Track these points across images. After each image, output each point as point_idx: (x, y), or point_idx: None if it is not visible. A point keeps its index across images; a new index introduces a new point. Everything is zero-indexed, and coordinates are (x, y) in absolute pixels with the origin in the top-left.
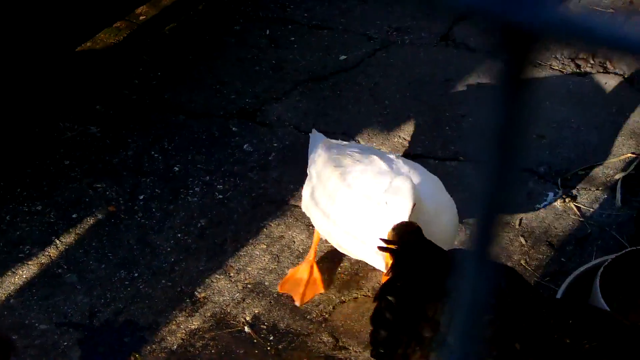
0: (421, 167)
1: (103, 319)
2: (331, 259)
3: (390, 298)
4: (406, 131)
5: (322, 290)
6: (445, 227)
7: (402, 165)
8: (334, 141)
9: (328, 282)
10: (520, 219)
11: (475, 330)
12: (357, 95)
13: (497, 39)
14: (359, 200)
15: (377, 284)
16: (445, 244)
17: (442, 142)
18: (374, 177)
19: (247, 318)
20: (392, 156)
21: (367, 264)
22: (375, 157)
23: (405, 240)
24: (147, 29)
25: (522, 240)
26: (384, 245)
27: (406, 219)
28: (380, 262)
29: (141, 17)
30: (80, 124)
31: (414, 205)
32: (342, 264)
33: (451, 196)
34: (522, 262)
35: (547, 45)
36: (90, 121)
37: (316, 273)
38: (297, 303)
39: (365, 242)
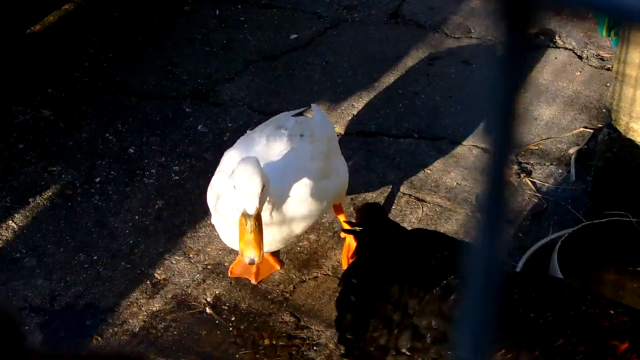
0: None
1: (64, 302)
2: None
3: (354, 280)
4: (359, 109)
5: (277, 267)
6: (301, 204)
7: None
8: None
9: (289, 262)
10: (477, 195)
11: (485, 330)
12: (309, 74)
13: (499, 6)
14: (221, 183)
15: (337, 263)
16: (306, 219)
17: (395, 120)
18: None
19: (208, 299)
20: (285, 129)
21: (327, 242)
22: (254, 136)
23: (369, 221)
24: (96, 11)
25: (479, 216)
26: (347, 228)
27: (255, 203)
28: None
29: None
30: (32, 107)
31: (263, 187)
32: (300, 243)
33: (405, 174)
34: None
35: (547, 11)
36: (42, 104)
37: (267, 254)
38: (253, 281)
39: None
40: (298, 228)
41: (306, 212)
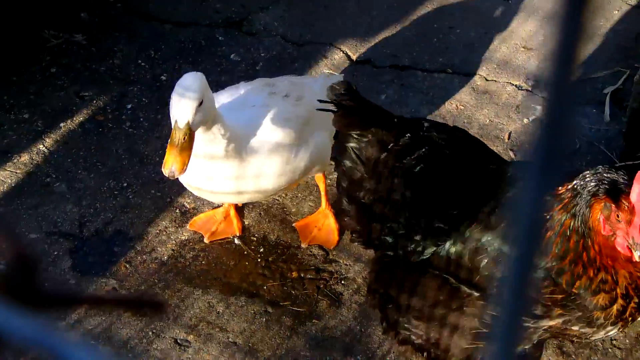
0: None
1: (93, 228)
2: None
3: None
4: (393, 43)
5: (236, 233)
6: (266, 159)
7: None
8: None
9: (317, 194)
10: (510, 133)
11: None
12: (344, 6)
13: None
14: None
15: None
16: (272, 177)
17: (429, 54)
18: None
19: (237, 230)
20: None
21: None
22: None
23: (344, 99)
24: None
25: (511, 154)
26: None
27: (187, 116)
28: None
29: None
30: (65, 31)
31: (201, 104)
32: (329, 175)
33: (438, 109)
34: None
35: None
36: (75, 29)
37: (232, 214)
38: (206, 239)
39: None
40: (266, 184)
41: (271, 169)
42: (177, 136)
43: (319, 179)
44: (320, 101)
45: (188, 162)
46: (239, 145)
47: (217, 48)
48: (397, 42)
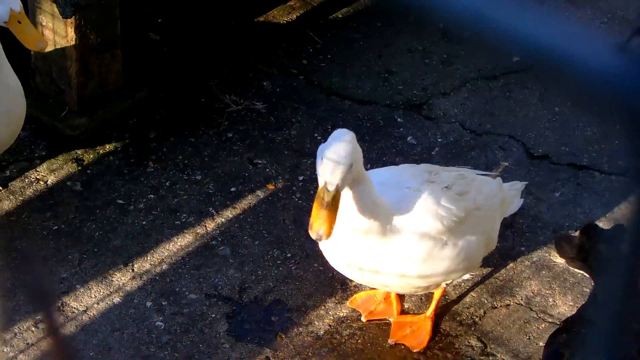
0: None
1: (252, 295)
2: (487, 262)
3: None
4: (573, 141)
5: (394, 315)
6: (414, 242)
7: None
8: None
9: (483, 286)
10: None
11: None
12: (527, 98)
13: None
14: None
15: (532, 293)
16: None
17: (609, 156)
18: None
19: (395, 312)
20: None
21: (523, 271)
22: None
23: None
24: (320, 11)
25: None
26: None
27: (338, 177)
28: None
29: None
30: (246, 98)
31: (351, 166)
32: (497, 268)
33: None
34: None
35: None
36: (256, 97)
37: (393, 296)
38: (363, 318)
39: None
40: (405, 268)
41: (413, 254)
42: (326, 198)
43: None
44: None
45: (334, 224)
46: (384, 220)
47: (395, 129)
48: (577, 141)
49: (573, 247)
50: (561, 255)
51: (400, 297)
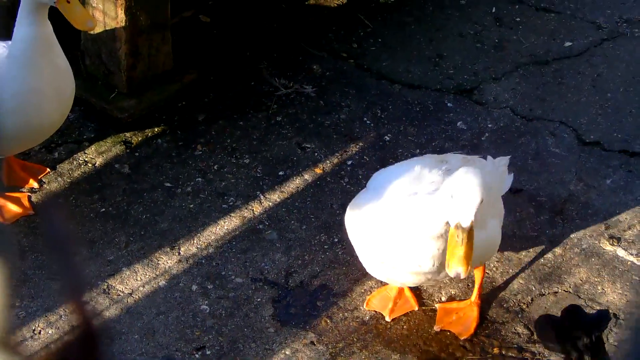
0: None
1: (298, 280)
2: (533, 248)
3: None
4: (626, 127)
5: (415, 307)
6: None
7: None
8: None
9: (531, 272)
10: None
11: None
12: (579, 84)
13: None
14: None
15: (580, 281)
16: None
17: None
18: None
19: (443, 298)
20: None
21: (572, 258)
22: (411, 162)
23: None
24: None
25: None
26: None
27: (472, 215)
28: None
29: None
30: (296, 82)
31: (481, 201)
32: (545, 255)
33: None
34: None
35: None
36: (306, 80)
37: (407, 292)
38: (387, 318)
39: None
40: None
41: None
42: (461, 236)
43: (479, 269)
44: None
45: (471, 257)
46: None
47: (445, 114)
48: (630, 127)
49: (553, 329)
50: (540, 338)
51: (413, 288)
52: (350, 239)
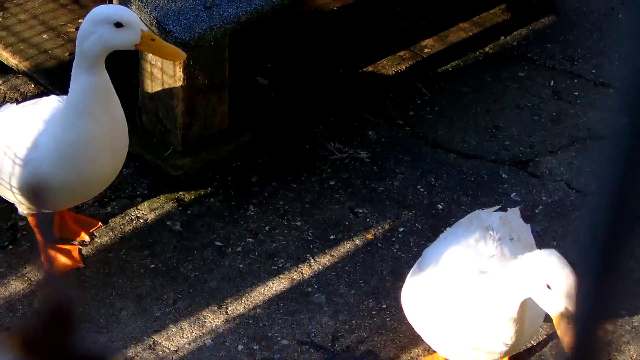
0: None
1: (345, 344)
2: None
3: None
4: None
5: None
6: None
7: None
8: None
9: None
10: None
11: None
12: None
13: None
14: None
15: (630, 359)
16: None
17: None
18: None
19: None
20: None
21: (623, 335)
22: (457, 233)
23: None
24: (430, 63)
25: None
26: None
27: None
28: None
29: (426, 50)
30: (350, 147)
31: None
32: None
33: None
34: None
35: None
36: (361, 146)
37: None
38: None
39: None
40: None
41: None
42: (563, 324)
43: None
44: None
45: None
46: None
47: (499, 185)
48: None
49: None
50: None
51: None
52: (411, 320)
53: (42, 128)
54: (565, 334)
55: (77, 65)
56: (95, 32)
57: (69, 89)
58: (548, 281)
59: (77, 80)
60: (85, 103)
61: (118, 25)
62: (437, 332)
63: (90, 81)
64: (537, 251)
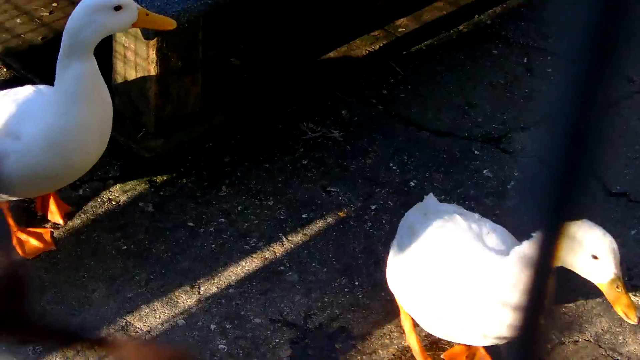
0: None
1: (317, 322)
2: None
3: None
4: None
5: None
6: None
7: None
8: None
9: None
10: None
11: None
12: (608, 135)
13: None
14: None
15: (602, 330)
16: None
17: None
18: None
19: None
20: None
21: (594, 308)
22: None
23: None
24: (403, 42)
25: None
26: None
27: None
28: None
29: (400, 29)
30: (323, 126)
31: None
32: (566, 304)
33: None
34: None
35: None
36: (333, 125)
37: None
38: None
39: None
40: None
41: None
42: (620, 286)
43: None
44: None
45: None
46: None
47: (472, 161)
48: None
49: None
50: None
51: None
52: (396, 292)
53: (23, 118)
54: (617, 300)
55: (68, 55)
56: (95, 20)
57: (57, 78)
58: (594, 251)
59: (69, 68)
60: (80, 89)
61: (117, 8)
62: (432, 309)
63: (83, 67)
64: (573, 223)
